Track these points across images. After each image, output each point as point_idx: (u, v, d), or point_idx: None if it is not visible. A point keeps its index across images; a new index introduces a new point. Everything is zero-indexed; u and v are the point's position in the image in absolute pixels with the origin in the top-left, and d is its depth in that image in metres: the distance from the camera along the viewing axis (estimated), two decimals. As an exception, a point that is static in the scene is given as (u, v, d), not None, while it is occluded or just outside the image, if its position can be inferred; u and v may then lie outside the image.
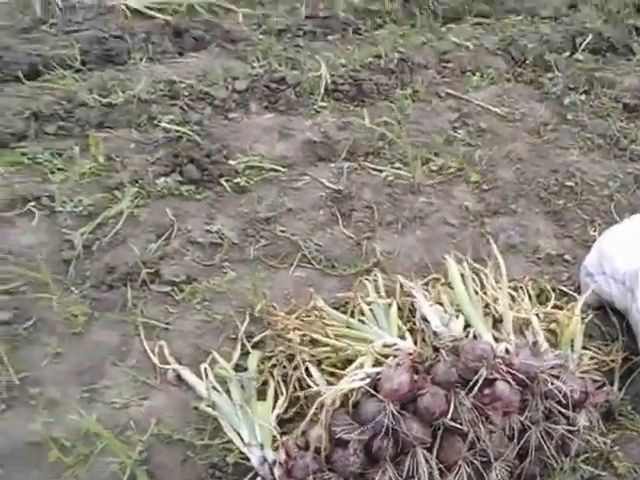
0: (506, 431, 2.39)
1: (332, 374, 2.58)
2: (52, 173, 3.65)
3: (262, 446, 2.42)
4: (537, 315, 2.76)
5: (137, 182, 3.60)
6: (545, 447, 2.43)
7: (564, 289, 3.21)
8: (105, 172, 3.67)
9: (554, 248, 3.46)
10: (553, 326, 2.80)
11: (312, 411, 2.41)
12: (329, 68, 4.32)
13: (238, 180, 3.67)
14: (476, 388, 2.33)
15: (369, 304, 2.80)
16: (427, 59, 4.66)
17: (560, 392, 2.41)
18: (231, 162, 3.73)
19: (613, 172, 3.86)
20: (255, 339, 2.95)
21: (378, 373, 2.38)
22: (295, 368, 2.66)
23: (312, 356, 2.66)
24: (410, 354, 2.44)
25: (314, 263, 3.30)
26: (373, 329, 2.65)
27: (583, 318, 2.84)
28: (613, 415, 2.76)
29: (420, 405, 2.33)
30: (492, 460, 2.35)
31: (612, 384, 2.80)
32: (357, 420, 2.34)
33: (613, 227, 3.29)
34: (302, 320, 2.81)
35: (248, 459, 2.47)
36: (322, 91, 4.21)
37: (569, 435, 2.47)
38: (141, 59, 4.42)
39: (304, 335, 2.74)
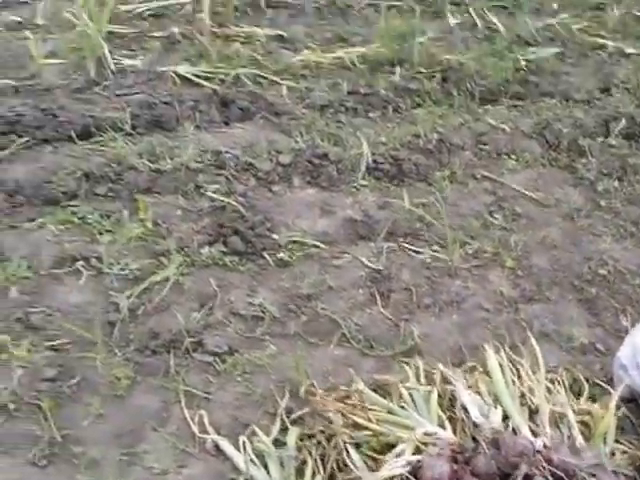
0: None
1: (371, 458, 2.62)
2: (100, 234, 3.73)
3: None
4: (572, 408, 2.79)
5: (183, 250, 3.68)
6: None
7: (597, 380, 3.21)
8: (152, 237, 3.75)
9: (587, 337, 3.54)
10: (587, 418, 2.85)
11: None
12: (370, 146, 4.38)
13: (281, 255, 3.75)
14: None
15: (409, 389, 2.84)
16: (464, 140, 4.74)
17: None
18: (274, 236, 3.79)
19: (645, 260, 3.88)
20: (294, 415, 3.01)
21: (419, 461, 2.45)
22: (334, 448, 2.71)
23: (352, 438, 2.70)
24: (451, 444, 2.50)
25: (353, 342, 3.37)
26: (414, 416, 2.71)
27: (616, 411, 2.86)
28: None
29: (460, 495, 2.37)
30: None
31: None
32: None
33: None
34: (342, 401, 2.85)
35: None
36: (363, 169, 4.28)
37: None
38: (189, 126, 4.45)
39: (344, 416, 2.77)
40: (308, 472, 2.70)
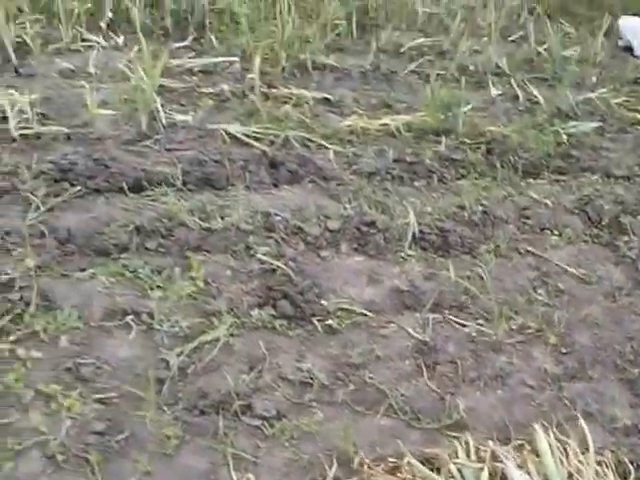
0: None
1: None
2: (151, 289, 3.76)
3: None
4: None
5: (233, 310, 3.69)
6: None
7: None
8: (202, 296, 3.76)
9: (630, 418, 3.55)
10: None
11: None
12: (416, 215, 4.40)
13: (329, 321, 3.77)
14: None
15: (459, 465, 2.86)
16: (508, 214, 4.78)
17: None
18: (323, 302, 3.82)
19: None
20: (342, 484, 2.96)
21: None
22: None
23: (401, 511, 2.71)
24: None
25: (400, 413, 3.39)
26: (465, 493, 2.72)
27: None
28: None
29: None
30: None
31: None
32: None
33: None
34: (392, 473, 2.87)
35: None
36: (410, 239, 4.30)
37: None
38: (239, 186, 4.50)
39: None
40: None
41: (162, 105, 5.24)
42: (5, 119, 5.13)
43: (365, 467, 3.01)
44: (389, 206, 4.62)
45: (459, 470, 2.92)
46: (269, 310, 3.75)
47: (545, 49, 7.18)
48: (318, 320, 3.80)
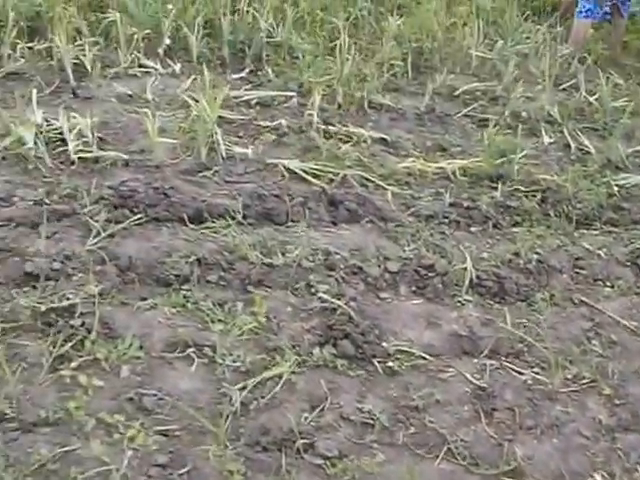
0: None
1: None
2: (213, 322, 3.77)
3: None
4: None
5: (294, 348, 3.68)
6: None
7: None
8: (263, 332, 3.76)
9: (682, 470, 3.47)
10: None
11: None
12: (472, 261, 4.37)
13: (390, 363, 3.76)
14: None
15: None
16: (562, 263, 4.79)
17: None
18: (383, 344, 3.80)
19: None
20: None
21: None
22: None
23: None
24: None
25: (459, 458, 3.38)
26: None
27: None
28: None
29: None
30: None
31: None
32: None
33: None
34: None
35: None
36: (467, 284, 4.27)
37: None
38: (299, 223, 4.50)
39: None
40: None
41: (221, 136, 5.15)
42: (63, 141, 5.10)
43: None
44: (446, 250, 4.60)
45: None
46: (330, 349, 3.75)
47: (596, 99, 7.14)
48: (378, 361, 3.80)
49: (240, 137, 5.52)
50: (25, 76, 6.28)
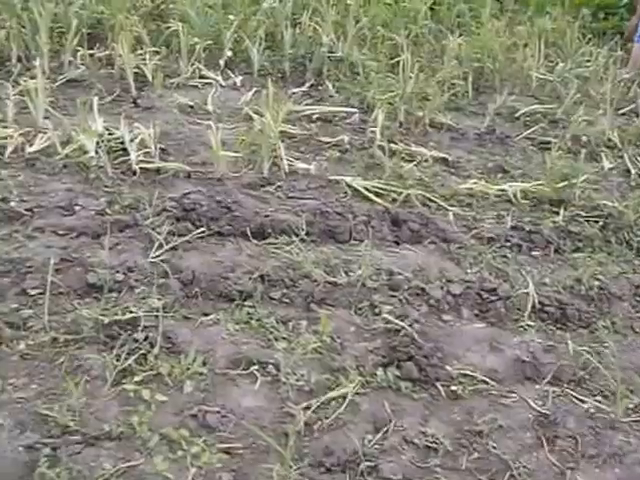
0: None
1: None
2: (276, 340, 3.74)
3: None
4: None
5: (358, 368, 3.63)
6: None
7: None
8: (327, 351, 3.71)
9: None
10: None
11: None
12: (534, 286, 4.31)
13: (453, 387, 3.70)
14: None
15: None
16: (623, 291, 4.71)
17: None
18: (447, 367, 3.74)
19: None
20: None
21: None
22: None
23: None
24: None
25: (522, 486, 3.26)
26: None
27: None
28: None
29: None
30: None
31: None
32: None
33: None
34: None
35: None
36: (529, 309, 4.20)
37: None
38: (362, 241, 4.45)
39: None
40: None
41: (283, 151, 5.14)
42: (125, 150, 5.10)
43: None
44: (508, 274, 4.56)
45: None
46: (394, 371, 3.72)
47: (655, 125, 7.04)
48: (442, 385, 3.74)
49: (302, 152, 5.49)
50: (85, 83, 6.33)
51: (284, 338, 3.78)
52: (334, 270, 4.20)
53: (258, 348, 3.70)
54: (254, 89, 6.28)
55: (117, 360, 3.51)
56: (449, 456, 3.41)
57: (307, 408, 3.44)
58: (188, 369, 3.54)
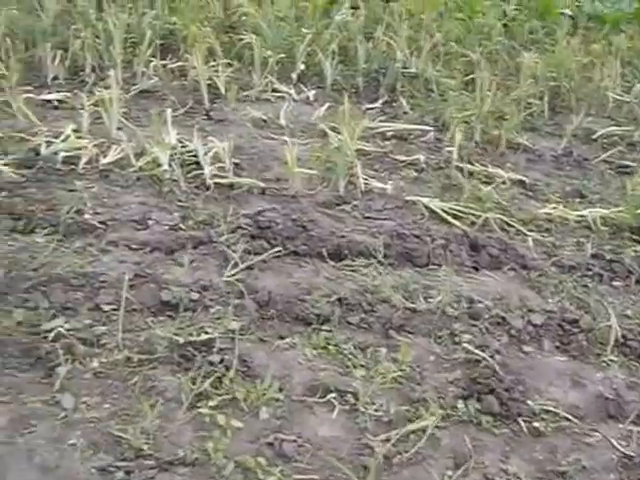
0: None
1: None
2: (354, 367, 3.66)
3: None
4: None
5: (438, 400, 3.51)
6: None
7: None
8: (406, 381, 3.61)
9: None
10: None
11: None
12: (617, 318, 4.16)
13: (535, 423, 3.60)
14: None
15: None
16: None
17: None
18: (528, 402, 3.62)
19: None
20: None
21: None
22: None
23: None
24: None
25: (606, 529, 3.12)
26: None
27: None
28: None
29: None
30: None
31: None
32: None
33: None
34: None
35: None
36: (612, 343, 4.05)
37: None
38: (441, 266, 4.34)
39: None
40: None
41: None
42: (198, 164, 5.03)
43: None
44: (590, 305, 4.41)
45: None
46: (474, 404, 3.58)
47: None
48: (523, 420, 3.62)
49: (376, 170, 5.37)
50: (158, 94, 6.28)
51: (362, 365, 3.69)
52: (413, 295, 4.10)
53: (336, 375, 3.61)
54: (327, 104, 6.18)
55: (192, 383, 3.43)
56: (531, 496, 3.22)
57: (386, 440, 3.30)
58: (264, 394, 3.46)
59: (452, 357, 3.87)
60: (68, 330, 3.72)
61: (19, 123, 5.58)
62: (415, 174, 5.47)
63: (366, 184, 5.06)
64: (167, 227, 4.53)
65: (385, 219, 4.80)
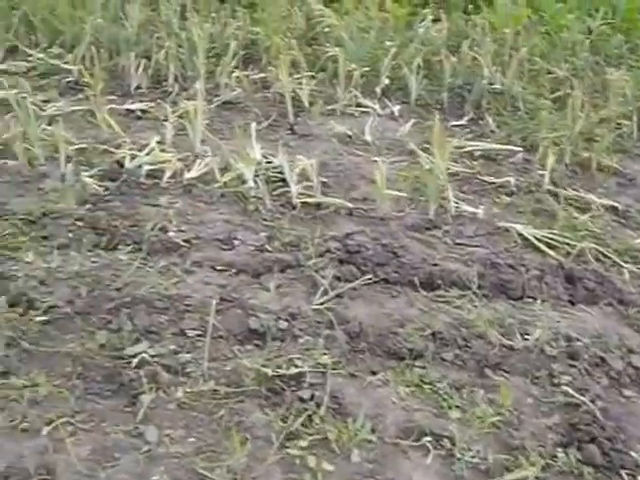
0: None
1: None
2: (450, 409, 3.50)
3: None
4: None
5: (537, 448, 3.37)
6: None
7: None
8: (504, 425, 3.43)
9: None
10: None
11: None
12: None
13: (638, 477, 3.32)
14: None
15: None
16: None
17: None
18: (632, 453, 3.41)
19: None
20: None
21: None
22: None
23: None
24: None
25: None
26: None
27: None
28: None
29: None
30: None
31: None
32: None
33: None
34: None
35: None
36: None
37: None
38: (535, 299, 4.15)
39: None
40: None
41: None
42: (283, 181, 4.91)
43: None
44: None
45: None
46: (575, 453, 3.40)
47: None
48: (627, 473, 3.42)
49: (464, 192, 5.16)
50: (241, 106, 6.18)
51: (458, 407, 3.55)
52: (509, 331, 3.95)
53: (430, 416, 3.47)
54: (412, 120, 6.00)
55: (282, 421, 3.28)
56: None
57: (488, 493, 3.09)
58: (356, 435, 3.34)
59: (550, 400, 3.71)
60: (152, 356, 3.59)
61: (103, 133, 5.51)
62: (506, 198, 5.20)
63: (456, 207, 4.84)
64: (253, 248, 4.42)
65: (477, 246, 4.62)
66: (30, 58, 6.77)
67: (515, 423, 3.53)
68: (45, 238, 4.45)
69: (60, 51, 6.85)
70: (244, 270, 4.26)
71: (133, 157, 5.18)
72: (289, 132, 5.89)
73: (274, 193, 4.98)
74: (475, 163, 5.70)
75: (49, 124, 5.53)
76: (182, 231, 4.55)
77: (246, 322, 3.87)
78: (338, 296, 4.07)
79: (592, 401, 3.69)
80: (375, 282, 4.23)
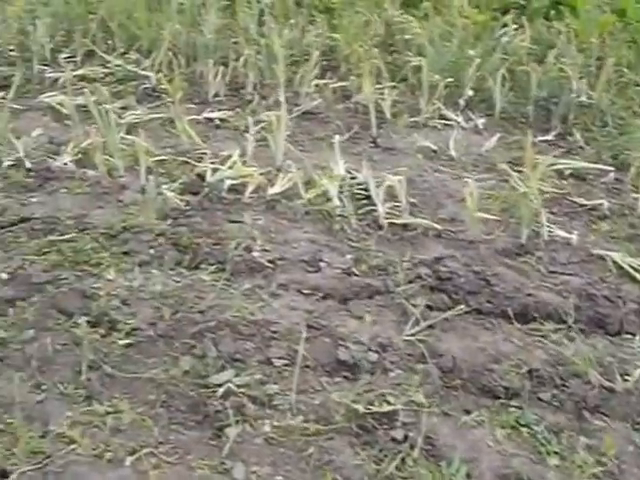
0: None
1: None
2: (548, 455, 3.32)
3: None
4: None
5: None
6: None
7: None
8: (605, 475, 3.39)
9: None
10: None
11: None
12: None
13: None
14: None
15: None
16: None
17: None
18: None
19: None
20: None
21: None
22: None
23: None
24: None
25: None
26: None
27: None
28: None
29: None
30: None
31: None
32: None
33: None
34: None
35: None
36: None
37: None
38: (633, 334, 3.98)
39: None
40: None
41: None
42: (368, 199, 4.75)
43: None
44: None
45: None
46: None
47: None
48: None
49: (554, 214, 4.94)
50: (321, 117, 5.98)
51: (556, 453, 3.37)
52: (608, 371, 3.74)
53: (528, 463, 3.32)
54: (497, 134, 5.77)
55: (375, 463, 3.11)
56: None
57: None
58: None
59: (649, 446, 3.43)
60: (238, 386, 3.50)
61: (182, 143, 5.38)
62: (599, 222, 4.97)
63: (549, 232, 4.63)
64: (339, 271, 4.29)
65: (571, 274, 4.39)
66: (108, 64, 6.58)
67: (616, 473, 3.34)
68: (126, 254, 4.35)
69: (137, 57, 6.75)
70: (331, 295, 4.14)
71: (214, 170, 5.04)
72: (372, 145, 5.71)
73: (359, 212, 4.75)
74: (565, 182, 5.50)
75: (127, 132, 5.43)
76: (266, 250, 4.42)
77: (335, 352, 3.75)
78: (430, 327, 3.87)
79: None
80: (467, 312, 4.01)
